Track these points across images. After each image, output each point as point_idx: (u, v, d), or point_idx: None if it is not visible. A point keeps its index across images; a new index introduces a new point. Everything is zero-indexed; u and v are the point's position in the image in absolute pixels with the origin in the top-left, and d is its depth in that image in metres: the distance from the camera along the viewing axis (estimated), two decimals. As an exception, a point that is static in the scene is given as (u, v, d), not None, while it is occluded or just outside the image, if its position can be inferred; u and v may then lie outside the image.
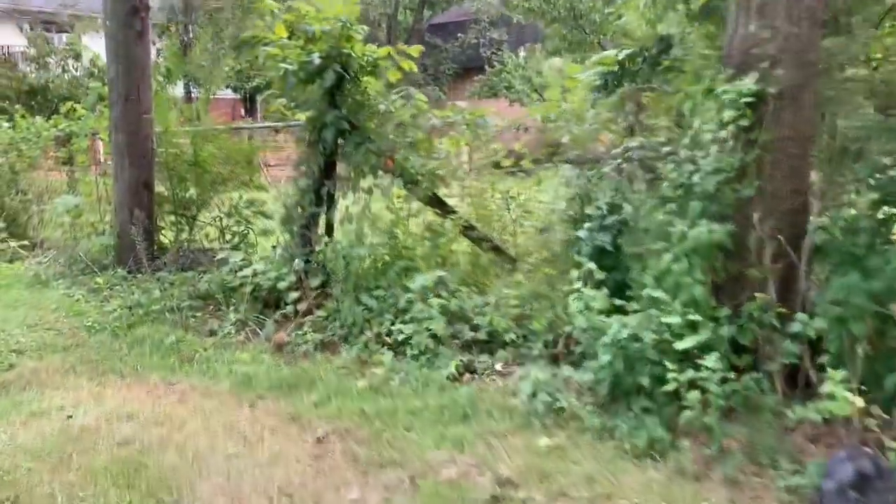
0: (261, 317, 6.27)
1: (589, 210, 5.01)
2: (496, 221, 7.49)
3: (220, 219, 7.91)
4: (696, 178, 4.51)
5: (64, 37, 23.49)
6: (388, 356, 5.14)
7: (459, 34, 31.18)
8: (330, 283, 6.51)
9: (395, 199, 6.80)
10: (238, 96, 30.06)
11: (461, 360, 5.08)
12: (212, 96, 21.24)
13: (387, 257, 6.19)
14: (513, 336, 5.29)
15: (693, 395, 3.80)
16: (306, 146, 7.03)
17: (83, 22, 22.49)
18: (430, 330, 5.32)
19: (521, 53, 29.64)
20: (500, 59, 28.87)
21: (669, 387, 3.87)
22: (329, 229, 7.03)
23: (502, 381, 4.89)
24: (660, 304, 4.27)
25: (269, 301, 6.56)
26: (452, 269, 6.23)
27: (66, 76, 20.48)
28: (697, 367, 3.89)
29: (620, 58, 7.29)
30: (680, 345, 3.90)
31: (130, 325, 6.11)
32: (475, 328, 5.49)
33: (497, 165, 7.23)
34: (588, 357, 4.63)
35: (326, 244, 6.60)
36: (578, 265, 5.29)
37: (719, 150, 4.52)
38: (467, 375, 5.01)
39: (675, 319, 4.03)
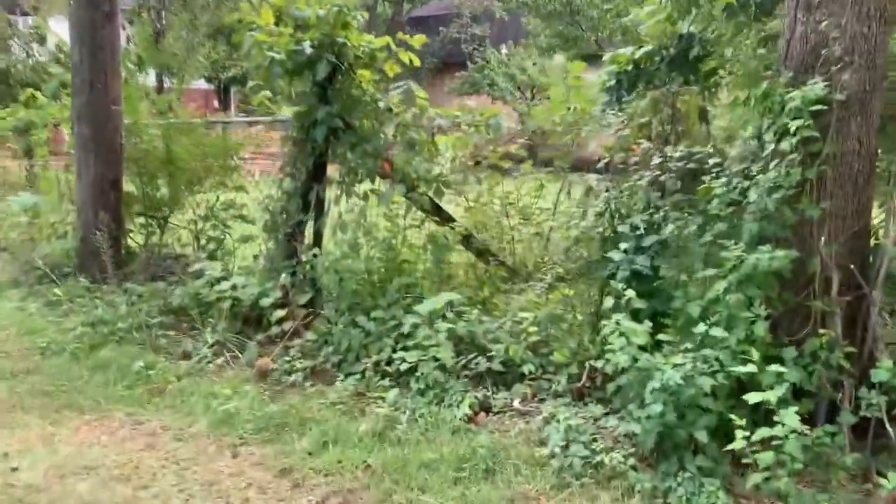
0: (241, 337, 5.58)
1: (623, 227, 4.40)
2: (494, 229, 6.89)
3: (195, 222, 7.17)
4: (752, 196, 3.92)
5: (30, 20, 22.34)
6: (392, 393, 4.48)
7: (441, 28, 30.42)
8: (320, 300, 5.83)
9: (392, 206, 6.14)
10: (212, 87, 29.05)
11: (475, 397, 4.44)
12: (185, 86, 20.34)
13: (384, 272, 5.52)
14: (531, 367, 4.66)
15: (766, 456, 3.20)
16: (293, 145, 6.33)
17: (50, 3, 21.38)
18: (437, 360, 4.68)
19: (504, 50, 29.01)
20: (482, 56, 28.19)
21: (736, 445, 3.27)
22: (317, 239, 6.34)
23: (523, 422, 4.26)
24: (716, 343, 3.67)
25: (251, 319, 5.86)
26: (460, 288, 5.59)
27: (29, 61, 19.38)
28: (769, 421, 3.29)
29: (637, 56, 6.71)
30: (751, 398, 3.30)
31: (93, 346, 5.37)
32: (487, 356, 4.86)
33: (495, 167, 6.60)
34: (623, 399, 4.03)
35: (315, 256, 5.92)
36: (605, 288, 4.71)
37: (780, 163, 3.94)
38: (482, 414, 4.37)
39: (742, 368, 3.43)
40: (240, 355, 5.38)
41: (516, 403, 4.52)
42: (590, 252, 4.65)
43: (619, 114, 5.71)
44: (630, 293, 4.05)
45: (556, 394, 4.58)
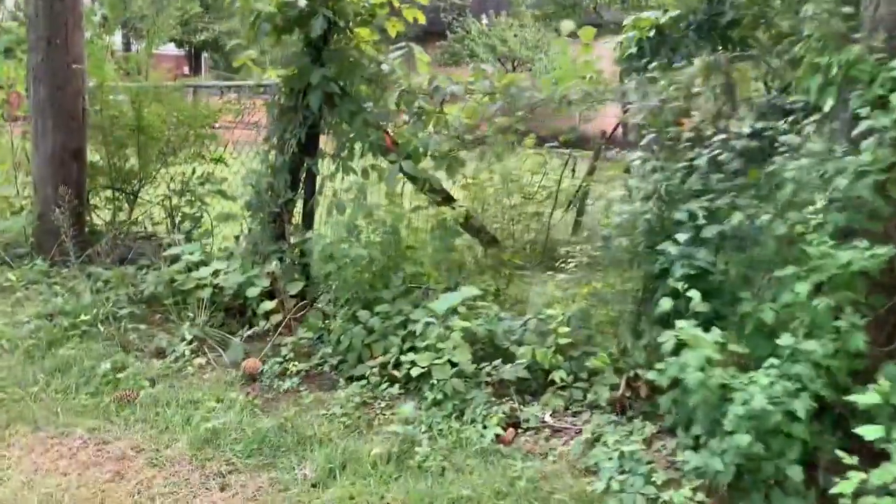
0: (223, 332, 4.89)
1: (680, 215, 3.76)
2: (494, 207, 6.25)
3: (169, 198, 6.41)
4: (840, 181, 3.31)
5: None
6: (407, 408, 3.83)
7: (420, -5, 29.38)
8: (313, 290, 5.16)
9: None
10: (182, 52, 27.80)
11: (503, 413, 3.81)
12: (154, 50, 19.23)
13: (388, 260, 4.84)
14: (562, 374, 4.04)
15: (885, 504, 2.62)
16: (280, 113, 5.59)
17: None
18: (454, 364, 4.05)
19: (485, 20, 28.12)
20: (462, 26, 27.28)
21: (844, 488, 2.68)
22: (308, 220, 5.64)
23: (561, 442, 3.65)
24: (806, 357, 3.07)
25: (234, 311, 5.18)
26: (471, 278, 4.95)
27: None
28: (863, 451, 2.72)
29: (662, 22, 6.07)
30: (867, 432, 2.70)
31: (51, 342, 4.63)
32: (509, 358, 4.24)
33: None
34: (681, 418, 3.44)
35: (305, 240, 5.23)
36: (649, 285, 4.10)
37: (870, 143, 3.33)
38: (510, 430, 3.75)
39: (862, 396, 2.83)
40: (223, 354, 4.70)
41: (547, 417, 3.91)
42: (634, 242, 4.02)
43: (654, 83, 5.05)
44: (694, 294, 3.43)
45: (593, 405, 3.98)
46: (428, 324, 4.22)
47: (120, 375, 4.24)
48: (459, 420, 3.79)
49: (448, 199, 5.55)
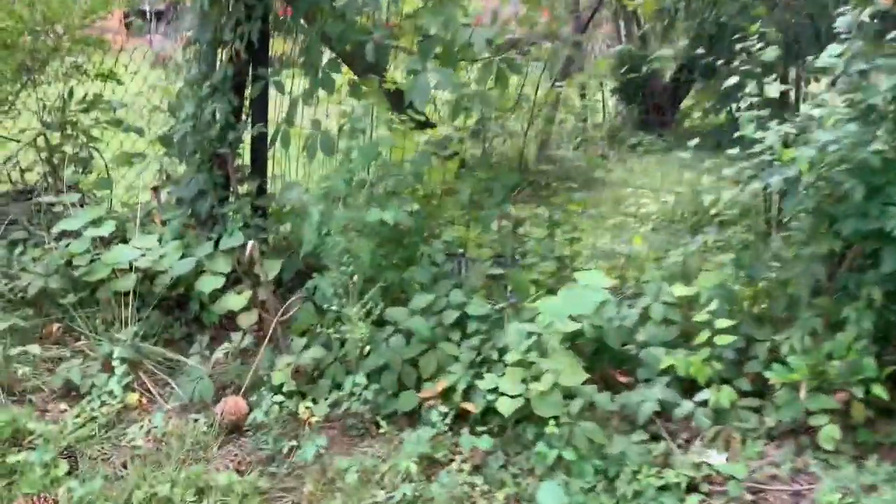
0: (167, 346, 3.19)
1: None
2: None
3: (43, 135, 4.38)
4: None
5: None
6: (547, 494, 2.33)
7: None
8: (291, 270, 3.49)
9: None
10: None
11: (682, 474, 2.41)
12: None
13: (416, 226, 3.22)
14: (729, 393, 2.67)
15: None
16: (212, 2, 3.70)
17: None
18: (565, 388, 2.59)
19: None
20: None
21: None
22: (259, 163, 3.88)
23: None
24: None
25: (168, 306, 3.47)
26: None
27: None
28: None
29: None
30: None
31: None
32: (630, 370, 2.83)
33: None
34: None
35: (264, 192, 3.54)
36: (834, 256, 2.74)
37: None
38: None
39: None
40: (174, 385, 3.02)
41: (714, 458, 2.55)
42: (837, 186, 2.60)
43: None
44: None
45: (770, 435, 2.65)
46: (530, 337, 2.69)
47: (13, 459, 2.49)
48: (612, 496, 2.36)
49: (426, 125, 3.97)
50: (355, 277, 2.85)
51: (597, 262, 3.71)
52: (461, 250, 3.50)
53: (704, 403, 2.69)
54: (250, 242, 3.02)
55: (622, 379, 2.87)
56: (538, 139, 6.24)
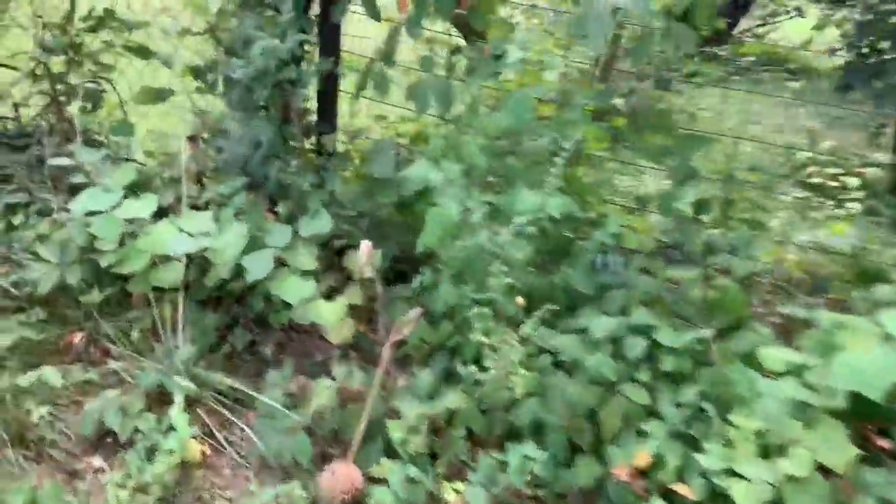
0: (224, 355, 2.36)
1: None
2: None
3: (42, 63, 3.38)
4: None
5: None
6: None
7: None
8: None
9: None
10: None
11: None
12: None
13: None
14: None
15: None
16: None
17: None
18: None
19: None
20: None
21: None
22: (329, 111, 2.95)
23: None
24: None
25: (218, 301, 2.61)
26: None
27: None
28: None
29: None
30: None
31: None
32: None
33: None
34: None
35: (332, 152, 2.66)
36: None
37: None
38: None
39: None
40: (250, 432, 2.19)
41: None
42: None
43: None
44: None
45: None
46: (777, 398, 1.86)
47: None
48: None
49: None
50: (519, 298, 1.99)
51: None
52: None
53: None
54: (364, 243, 2.12)
55: (882, 443, 2.07)
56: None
